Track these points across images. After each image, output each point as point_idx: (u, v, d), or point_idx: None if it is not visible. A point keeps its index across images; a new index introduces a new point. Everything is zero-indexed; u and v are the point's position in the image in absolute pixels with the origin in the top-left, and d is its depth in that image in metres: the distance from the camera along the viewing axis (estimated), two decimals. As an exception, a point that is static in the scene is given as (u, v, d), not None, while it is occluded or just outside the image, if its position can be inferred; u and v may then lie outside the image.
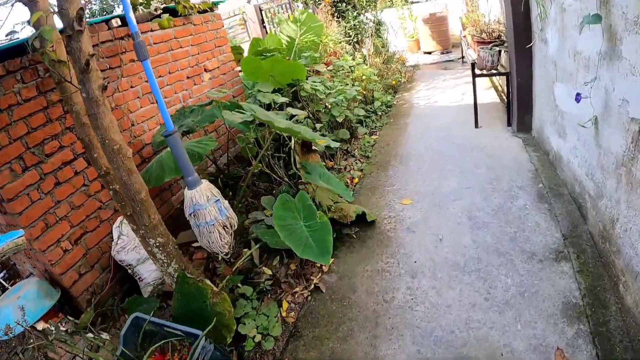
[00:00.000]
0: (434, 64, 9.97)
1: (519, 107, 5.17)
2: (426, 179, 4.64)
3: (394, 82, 8.35)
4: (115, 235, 3.56)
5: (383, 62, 8.34)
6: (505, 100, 6.45)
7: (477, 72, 5.64)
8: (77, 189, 3.38)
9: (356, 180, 5.01)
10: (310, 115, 5.43)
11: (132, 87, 4.18)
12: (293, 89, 5.26)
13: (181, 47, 4.95)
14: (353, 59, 7.18)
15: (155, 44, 4.55)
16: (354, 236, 3.87)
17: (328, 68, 6.22)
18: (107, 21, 3.97)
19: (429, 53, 11.01)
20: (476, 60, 5.68)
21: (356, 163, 5.42)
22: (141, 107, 4.29)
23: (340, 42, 7.17)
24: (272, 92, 4.64)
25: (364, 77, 6.68)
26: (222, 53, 5.82)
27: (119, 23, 4.06)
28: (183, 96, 5.03)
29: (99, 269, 3.58)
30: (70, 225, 3.36)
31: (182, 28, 5.04)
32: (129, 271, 3.62)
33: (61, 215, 3.30)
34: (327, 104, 5.18)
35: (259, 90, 4.67)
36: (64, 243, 3.32)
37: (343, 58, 6.55)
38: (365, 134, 6.22)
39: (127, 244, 3.56)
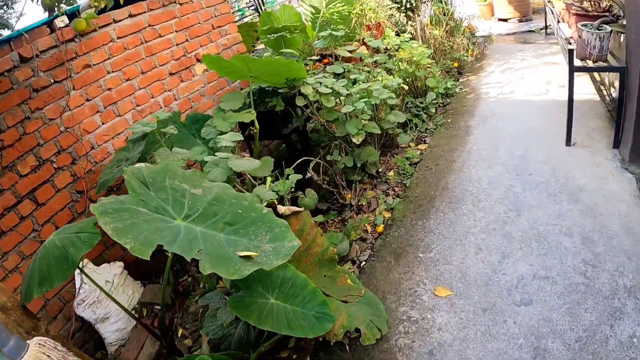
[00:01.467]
0: (511, 35, 8.51)
1: (637, 124, 3.61)
2: (481, 248, 3.28)
3: (455, 65, 6.73)
4: (77, 282, 3.23)
5: (446, 34, 6.75)
6: (608, 99, 4.75)
7: (578, 62, 3.99)
8: (26, 237, 3.07)
9: (380, 228, 3.77)
10: (321, 129, 4.48)
11: (87, 100, 3.58)
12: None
13: (160, 37, 4.18)
14: (399, 35, 5.81)
15: (120, 38, 3.85)
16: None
17: (357, 51, 4.87)
18: (49, 23, 3.39)
19: (505, 20, 9.50)
20: (573, 43, 4.39)
21: (386, 196, 4.15)
22: (103, 124, 3.70)
23: (385, 11, 5.94)
24: (240, 110, 3.53)
25: (413, 60, 5.50)
26: (224, 35, 4.87)
27: (66, 22, 3.47)
28: (165, 99, 4.27)
29: (62, 320, 3.29)
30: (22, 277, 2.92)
31: (162, 11, 4.19)
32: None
33: (11, 267, 3.03)
34: (348, 112, 3.85)
35: (220, 108, 3.59)
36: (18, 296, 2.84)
37: (385, 34, 5.42)
38: (411, 142, 4.88)
39: (87, 297, 3.20)
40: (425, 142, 4.92)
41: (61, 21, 3.39)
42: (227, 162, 2.68)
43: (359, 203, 4.05)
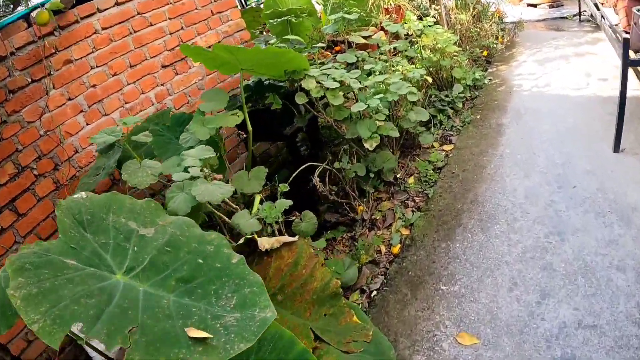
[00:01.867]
0: (541, 22, 7.80)
1: None
2: (517, 283, 2.72)
3: (484, 53, 6.02)
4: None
5: (472, 19, 6.01)
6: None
7: (633, 55, 3.38)
8: (8, 250, 2.81)
9: (396, 249, 3.24)
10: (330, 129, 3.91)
11: (69, 99, 3.18)
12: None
13: (151, 25, 3.69)
14: (421, 19, 5.10)
15: (105, 29, 3.40)
16: None
17: (374, 37, 4.28)
18: (25, 16, 3.03)
19: (534, 6, 8.80)
20: (626, 31, 3.72)
21: (405, 208, 3.59)
22: (87, 125, 3.29)
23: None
24: (230, 109, 3.05)
25: (437, 47, 4.85)
26: (225, 22, 4.35)
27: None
28: (157, 95, 3.79)
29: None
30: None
31: (153, -4, 3.73)
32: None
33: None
34: (360, 112, 3.28)
35: (199, 109, 3.02)
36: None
37: (406, 18, 4.80)
38: (434, 142, 4.28)
39: None
40: (451, 142, 4.33)
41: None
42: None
43: (373, 217, 3.52)
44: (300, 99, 3.16)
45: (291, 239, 2.41)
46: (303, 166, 3.36)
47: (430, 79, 4.18)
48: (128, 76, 3.56)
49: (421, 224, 3.47)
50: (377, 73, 3.82)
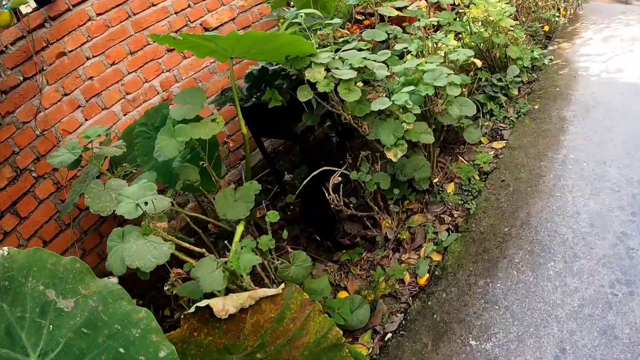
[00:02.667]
0: None
1: None
2: (565, 350, 2.10)
3: (546, 28, 5.07)
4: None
5: None
6: None
7: None
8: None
9: (422, 280, 2.67)
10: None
11: (65, 95, 2.99)
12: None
13: (153, 6, 3.36)
14: None
15: (99, 15, 3.11)
16: None
17: (411, 8, 3.45)
18: (13, 11, 2.84)
19: None
20: None
21: (439, 224, 2.97)
22: (86, 121, 3.10)
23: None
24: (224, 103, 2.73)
25: (489, 20, 3.86)
26: (242, -4, 3.84)
27: (33, 6, 2.92)
28: (163, 83, 3.43)
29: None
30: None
31: (153, -28, 3.32)
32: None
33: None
34: (386, 108, 2.56)
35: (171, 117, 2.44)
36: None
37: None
38: (482, 137, 3.56)
39: None
40: (502, 138, 3.62)
41: (27, 6, 2.88)
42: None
43: (399, 236, 2.95)
44: (303, 95, 2.54)
45: (271, 291, 1.90)
46: (316, 172, 2.82)
47: (479, 63, 3.45)
48: (128, 64, 3.26)
49: (457, 250, 2.86)
50: (411, 55, 3.16)
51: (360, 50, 2.94)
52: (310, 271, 2.24)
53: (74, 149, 2.29)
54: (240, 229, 2.36)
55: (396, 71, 2.83)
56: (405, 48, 3.08)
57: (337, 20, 2.93)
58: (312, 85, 2.59)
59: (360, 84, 2.66)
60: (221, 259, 2.13)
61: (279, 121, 2.94)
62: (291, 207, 3.27)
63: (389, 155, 2.54)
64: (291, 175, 3.71)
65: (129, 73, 3.27)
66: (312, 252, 3.17)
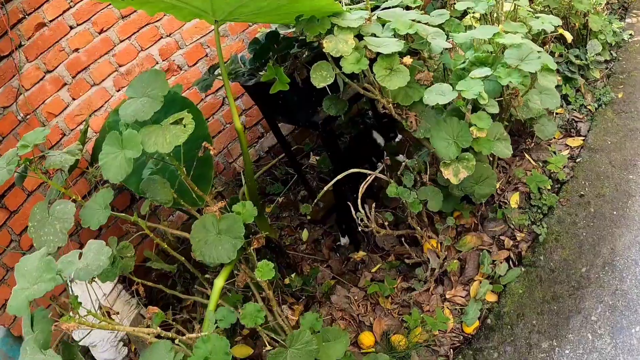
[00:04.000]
0: None
1: None
2: None
3: None
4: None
5: None
6: None
7: None
8: (6, 249, 2.41)
9: (470, 329, 1.82)
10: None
11: (48, 72, 2.33)
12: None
13: None
14: None
15: None
16: None
17: None
18: None
19: None
20: None
21: (497, 250, 2.07)
22: (74, 100, 2.41)
23: None
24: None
25: None
26: None
27: None
28: (162, 50, 2.62)
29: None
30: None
31: None
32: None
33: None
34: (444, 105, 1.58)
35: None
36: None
37: None
38: (556, 132, 2.46)
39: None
40: (579, 134, 2.62)
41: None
42: None
43: (444, 266, 2.08)
44: (319, 77, 1.55)
45: None
46: (339, 176, 1.95)
47: (568, 35, 2.39)
48: (120, 31, 2.46)
49: (518, 291, 1.89)
50: (474, 19, 2.18)
51: (407, 8, 1.98)
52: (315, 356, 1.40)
53: (9, 163, 1.42)
54: (219, 284, 1.50)
55: (459, 42, 1.87)
56: (469, 8, 2.11)
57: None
58: (336, 61, 1.64)
59: (408, 59, 1.72)
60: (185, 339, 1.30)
61: (294, 104, 2.04)
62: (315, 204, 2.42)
63: (447, 173, 1.58)
64: (317, 158, 2.83)
65: (121, 41, 2.43)
66: (335, 267, 2.35)
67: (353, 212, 1.82)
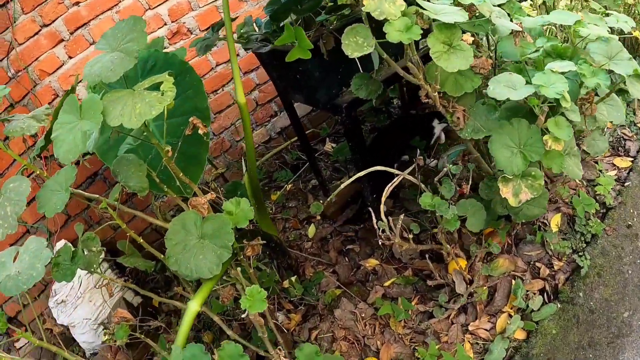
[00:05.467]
0: None
1: None
2: None
3: None
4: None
5: None
6: None
7: None
8: None
9: None
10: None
11: (44, 26, 1.94)
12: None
13: None
14: None
15: None
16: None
17: None
18: None
19: None
20: None
21: (532, 279, 1.59)
22: (70, 59, 2.01)
23: None
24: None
25: None
26: None
27: None
28: (171, 11, 2.16)
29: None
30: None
31: None
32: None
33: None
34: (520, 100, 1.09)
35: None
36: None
37: None
38: (607, 149, 1.75)
39: (58, 291, 1.97)
40: (628, 154, 2.14)
41: None
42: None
43: (471, 290, 1.64)
44: (353, 44, 1.08)
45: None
46: (360, 173, 1.50)
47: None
48: None
49: (551, 331, 1.45)
50: (536, 8, 1.70)
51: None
52: None
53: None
54: (193, 308, 1.05)
55: (529, 26, 1.39)
56: None
57: None
58: (378, 27, 1.15)
59: (469, 36, 1.24)
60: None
61: (314, 81, 1.57)
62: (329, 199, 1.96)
63: (506, 192, 1.09)
64: (333, 145, 2.36)
65: None
66: (342, 274, 1.91)
67: (374, 220, 1.37)
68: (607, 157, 2.07)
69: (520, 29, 1.26)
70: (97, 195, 1.22)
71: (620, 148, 2.11)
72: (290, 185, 2.12)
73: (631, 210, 1.83)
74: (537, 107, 1.06)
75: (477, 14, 1.25)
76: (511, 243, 1.71)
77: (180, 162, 1.30)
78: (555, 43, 1.18)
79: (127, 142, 1.31)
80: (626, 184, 1.94)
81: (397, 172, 1.47)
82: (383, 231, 1.38)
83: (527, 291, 1.59)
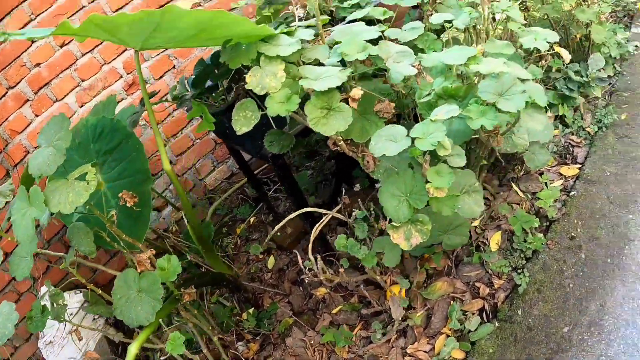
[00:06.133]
0: None
1: None
2: None
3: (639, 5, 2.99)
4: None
5: None
6: None
7: None
8: None
9: None
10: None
11: (10, 88, 1.99)
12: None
13: None
14: None
15: None
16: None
17: None
18: None
19: None
20: None
21: (470, 299, 1.57)
22: (36, 117, 2.05)
23: None
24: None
25: None
26: None
27: None
28: (126, 63, 2.19)
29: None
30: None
31: None
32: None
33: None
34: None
35: None
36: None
37: None
38: (549, 160, 1.75)
39: (47, 332, 1.97)
40: (575, 161, 2.08)
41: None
42: None
43: (407, 314, 1.62)
44: (242, 119, 1.15)
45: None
46: (296, 213, 1.51)
47: (565, 53, 1.83)
48: (82, 44, 2.10)
49: (488, 350, 1.43)
50: (457, 37, 1.68)
51: (372, 23, 1.50)
52: None
53: None
54: (132, 351, 1.11)
55: (428, 66, 1.38)
56: (448, 21, 1.60)
57: None
58: (262, 100, 1.18)
59: (358, 91, 1.24)
60: None
61: (242, 135, 1.59)
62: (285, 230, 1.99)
63: (397, 237, 1.08)
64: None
65: (83, 55, 2.08)
66: (295, 304, 1.93)
67: (300, 261, 1.39)
68: (555, 166, 2.03)
69: (416, 72, 1.25)
70: (61, 254, 1.41)
71: (567, 155, 2.08)
72: (253, 218, 2.16)
73: (575, 221, 1.80)
74: (420, 156, 1.06)
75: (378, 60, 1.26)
76: (451, 265, 1.70)
77: (126, 222, 1.38)
78: (447, 84, 1.17)
79: (79, 209, 1.39)
80: (571, 193, 1.90)
81: (324, 211, 1.48)
82: (309, 269, 1.39)
83: (466, 312, 1.58)
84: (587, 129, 2.15)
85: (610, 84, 2.43)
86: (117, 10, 2.01)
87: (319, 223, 1.45)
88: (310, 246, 1.43)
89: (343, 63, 1.20)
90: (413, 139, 1.04)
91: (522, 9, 2.31)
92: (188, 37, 1.12)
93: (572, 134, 2.15)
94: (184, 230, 1.88)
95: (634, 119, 2.21)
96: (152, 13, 0.95)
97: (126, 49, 2.06)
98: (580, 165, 2.02)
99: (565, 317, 1.54)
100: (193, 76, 1.55)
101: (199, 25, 1.05)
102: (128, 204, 1.28)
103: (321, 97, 1.08)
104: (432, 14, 1.59)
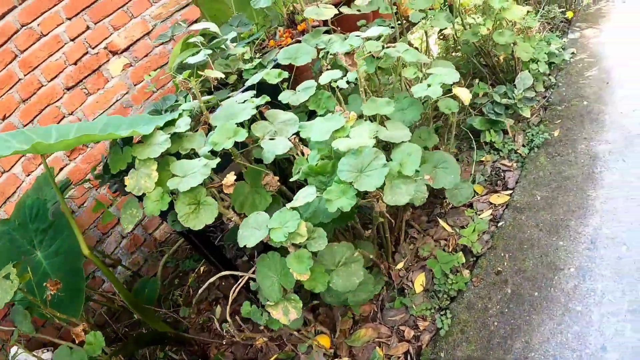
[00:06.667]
0: None
1: None
2: None
3: (570, 15, 2.91)
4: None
5: None
6: None
7: None
8: None
9: None
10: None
11: None
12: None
13: (42, 36, 2.04)
14: None
15: None
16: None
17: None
18: None
19: None
20: None
21: (396, 342, 1.56)
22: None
23: None
24: None
25: (490, 7, 1.95)
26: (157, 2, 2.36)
27: None
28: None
29: None
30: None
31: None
32: None
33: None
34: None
35: None
36: None
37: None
38: (471, 195, 1.73)
39: None
40: (506, 187, 2.04)
41: None
42: None
43: (330, 369, 1.61)
44: (129, 217, 1.19)
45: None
46: (213, 278, 1.53)
47: (466, 96, 1.74)
48: (21, 116, 2.06)
49: None
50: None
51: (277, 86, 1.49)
52: None
53: None
54: None
55: (305, 137, 1.32)
56: (335, 80, 1.54)
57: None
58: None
59: (231, 177, 1.23)
60: None
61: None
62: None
63: (276, 314, 1.10)
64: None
65: (24, 126, 2.05)
66: (238, 354, 1.95)
67: (217, 324, 1.41)
68: (484, 195, 1.99)
69: (290, 147, 1.26)
70: (12, 329, 1.43)
71: (499, 182, 2.03)
72: (203, 267, 2.19)
73: (502, 254, 1.76)
74: (285, 243, 1.06)
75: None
76: (377, 310, 1.69)
77: (66, 295, 1.44)
78: (312, 163, 1.17)
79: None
80: (500, 224, 1.86)
81: (241, 273, 1.49)
82: (227, 331, 1.41)
83: (391, 356, 1.57)
84: (519, 151, 2.10)
85: (545, 97, 2.37)
86: (51, 80, 2.05)
87: (237, 284, 1.47)
88: (228, 309, 1.44)
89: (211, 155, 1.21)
90: (269, 233, 1.04)
91: (441, 37, 2.28)
92: (77, 142, 1.18)
93: (504, 158, 2.10)
94: (134, 287, 1.92)
95: (567, 134, 2.15)
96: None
97: (64, 116, 2.12)
98: (511, 191, 1.98)
99: (490, 357, 1.51)
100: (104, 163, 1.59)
101: (71, 146, 1.11)
102: (52, 292, 1.34)
103: (188, 194, 1.10)
104: (327, 67, 1.58)
